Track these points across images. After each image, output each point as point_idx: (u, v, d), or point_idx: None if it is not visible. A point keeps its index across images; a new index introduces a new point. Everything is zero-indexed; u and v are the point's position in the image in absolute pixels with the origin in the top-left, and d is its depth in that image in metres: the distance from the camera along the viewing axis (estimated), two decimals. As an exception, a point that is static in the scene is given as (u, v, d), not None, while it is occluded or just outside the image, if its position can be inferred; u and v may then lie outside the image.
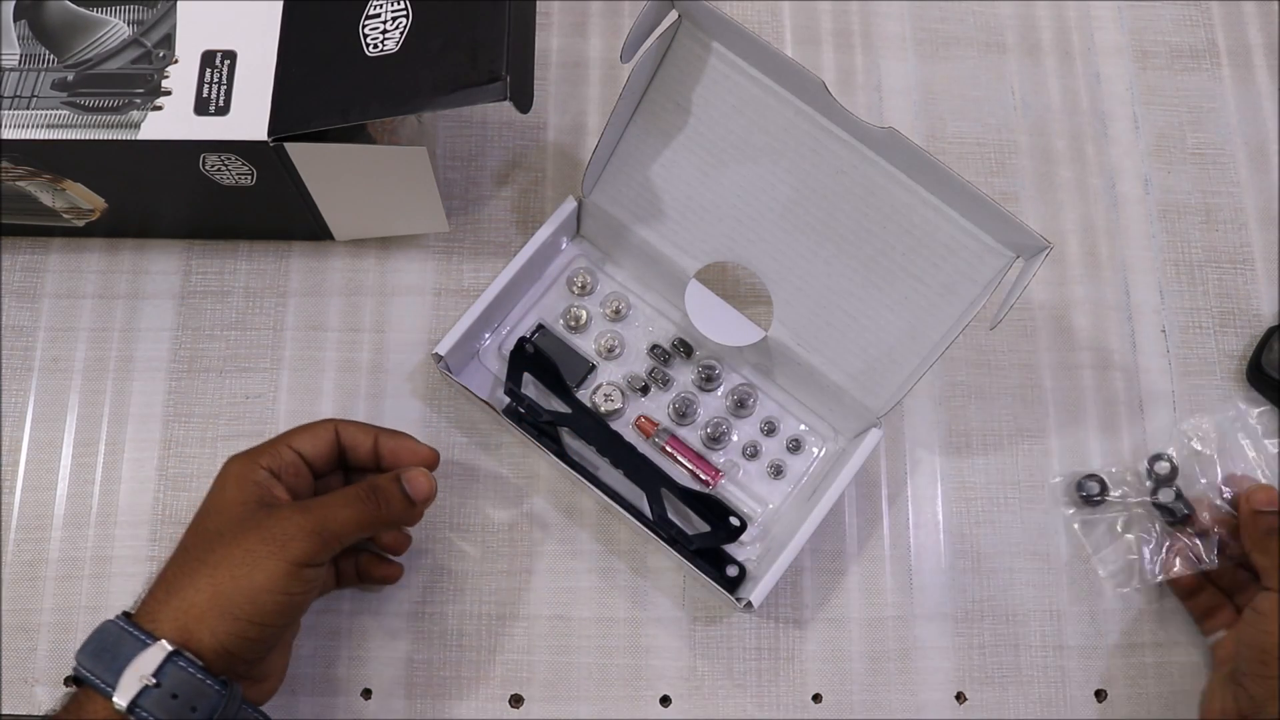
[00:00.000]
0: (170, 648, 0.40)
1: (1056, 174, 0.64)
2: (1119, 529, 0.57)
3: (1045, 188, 0.63)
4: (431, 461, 0.49)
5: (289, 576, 0.41)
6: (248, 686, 0.43)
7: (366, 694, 0.53)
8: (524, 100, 0.47)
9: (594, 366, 0.41)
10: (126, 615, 0.42)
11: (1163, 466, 0.57)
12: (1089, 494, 0.57)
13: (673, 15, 0.48)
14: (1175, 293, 0.62)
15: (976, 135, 0.64)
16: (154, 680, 0.39)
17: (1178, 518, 0.55)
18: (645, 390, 0.57)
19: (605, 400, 0.56)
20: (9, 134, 0.48)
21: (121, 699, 0.39)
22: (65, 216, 0.56)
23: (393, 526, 0.50)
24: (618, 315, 0.58)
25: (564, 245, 0.59)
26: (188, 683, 0.39)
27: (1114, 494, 0.57)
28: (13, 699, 0.53)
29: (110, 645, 0.40)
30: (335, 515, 0.43)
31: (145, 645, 0.40)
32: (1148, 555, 0.56)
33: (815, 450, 0.57)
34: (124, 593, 0.54)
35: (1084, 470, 0.58)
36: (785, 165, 0.50)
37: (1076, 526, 0.57)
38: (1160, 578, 0.55)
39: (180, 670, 0.39)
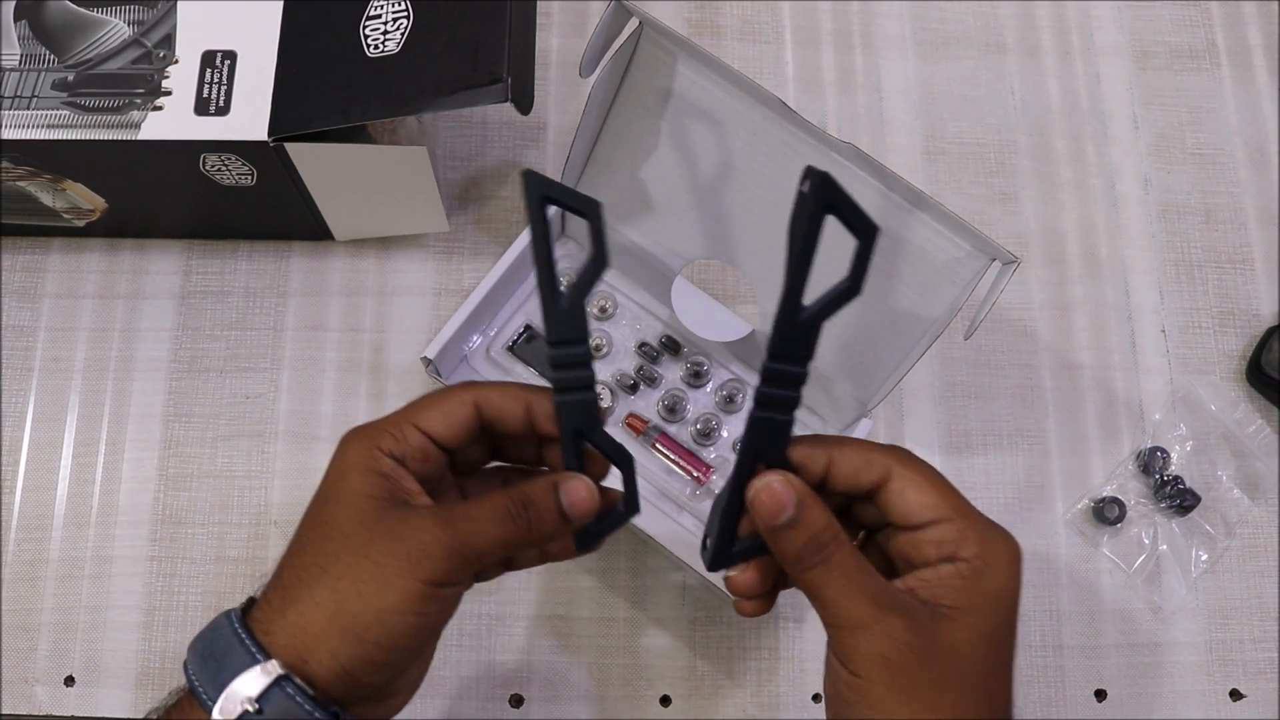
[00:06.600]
0: (279, 671, 0.35)
1: (1056, 174, 0.64)
2: (1146, 541, 0.57)
3: (1045, 188, 0.63)
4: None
5: (423, 598, 0.36)
6: (370, 707, 0.38)
7: (367, 694, 0.53)
8: (525, 102, 0.47)
9: None
10: (244, 612, 0.37)
11: (1162, 461, 0.58)
12: (1111, 519, 0.57)
13: (633, 23, 0.48)
14: (1175, 293, 0.62)
15: (976, 135, 0.64)
16: (255, 707, 0.35)
17: (1189, 504, 0.57)
18: (634, 388, 0.57)
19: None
20: (9, 134, 0.48)
21: (220, 717, 0.35)
22: (65, 216, 0.56)
23: (543, 544, 0.41)
24: (604, 314, 0.58)
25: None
26: (292, 713, 0.35)
27: (1131, 508, 0.57)
28: (13, 699, 0.53)
29: (219, 651, 0.36)
30: (480, 533, 0.37)
31: (254, 661, 0.35)
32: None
33: None
34: (124, 592, 0.54)
35: (1087, 489, 0.58)
36: (758, 167, 0.50)
37: (1107, 552, 0.57)
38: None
39: (286, 699, 0.35)
